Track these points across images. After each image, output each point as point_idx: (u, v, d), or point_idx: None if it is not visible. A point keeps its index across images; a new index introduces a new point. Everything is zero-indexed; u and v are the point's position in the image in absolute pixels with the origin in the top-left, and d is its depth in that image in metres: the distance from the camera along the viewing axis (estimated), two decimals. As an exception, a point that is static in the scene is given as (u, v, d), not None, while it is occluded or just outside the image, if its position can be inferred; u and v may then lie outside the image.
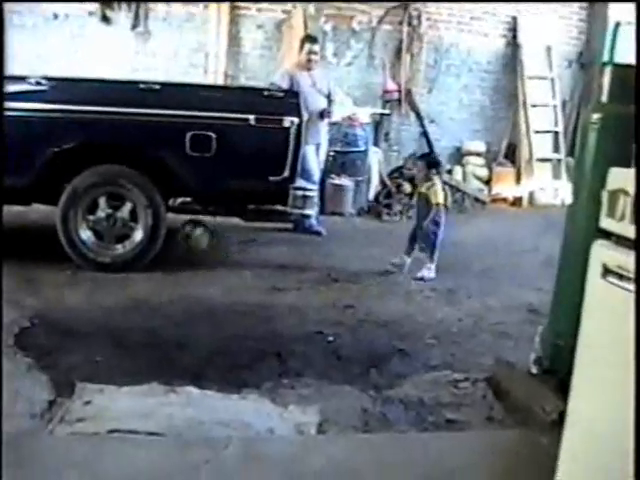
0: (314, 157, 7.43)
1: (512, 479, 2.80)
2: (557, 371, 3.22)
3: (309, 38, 7.83)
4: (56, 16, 8.99)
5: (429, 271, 5.92)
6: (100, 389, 3.36)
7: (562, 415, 2.59)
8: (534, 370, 3.40)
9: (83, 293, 5.01)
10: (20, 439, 2.90)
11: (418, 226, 6.13)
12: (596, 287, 2.21)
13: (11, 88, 5.30)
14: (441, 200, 6.05)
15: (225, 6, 9.27)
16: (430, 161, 6.44)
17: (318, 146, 7.54)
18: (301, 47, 7.61)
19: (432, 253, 5.99)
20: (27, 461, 2.71)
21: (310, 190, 5.82)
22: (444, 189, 6.20)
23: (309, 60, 7.47)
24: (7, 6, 8.48)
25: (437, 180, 6.18)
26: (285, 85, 7.08)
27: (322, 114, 7.36)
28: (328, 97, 7.53)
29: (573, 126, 10.44)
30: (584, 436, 2.20)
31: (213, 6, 9.24)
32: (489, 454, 2.98)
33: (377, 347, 4.26)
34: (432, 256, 5.98)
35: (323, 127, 7.63)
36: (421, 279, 5.84)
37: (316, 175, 7.41)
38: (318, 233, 7.38)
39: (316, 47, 7.59)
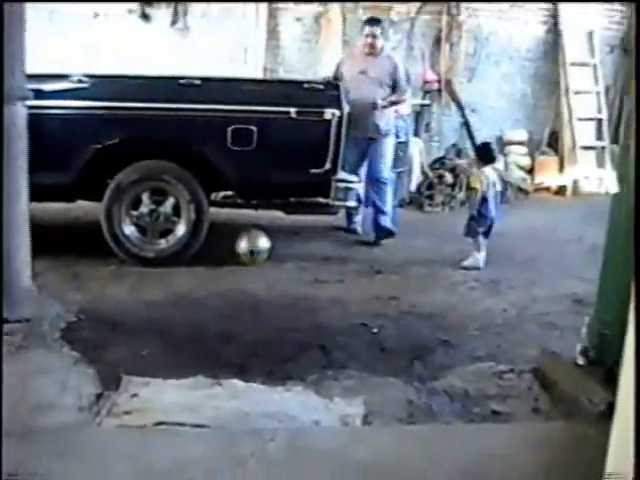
0: (356, 150, 6.57)
1: (560, 471, 2.77)
2: (604, 361, 3.18)
3: (370, 20, 7.01)
4: (96, 15, 9.07)
5: (472, 259, 5.91)
6: (146, 382, 3.40)
7: (610, 406, 2.57)
8: (580, 361, 3.37)
9: (127, 287, 5.06)
10: (68, 432, 2.95)
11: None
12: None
13: (53, 86, 5.40)
14: (477, 185, 6.07)
15: (263, 0, 9.29)
16: (478, 153, 6.72)
17: (370, 140, 6.70)
18: (361, 31, 6.94)
19: (475, 242, 5.98)
20: (75, 453, 2.75)
21: (352, 182, 5.78)
22: (488, 176, 6.08)
23: (366, 44, 6.72)
24: (48, 6, 8.59)
25: (484, 169, 6.17)
26: (331, 75, 6.82)
27: (374, 106, 6.53)
28: (393, 87, 6.72)
29: (617, 113, 10.28)
30: (634, 428, 2.17)
31: (251, 0, 9.27)
32: (535, 446, 2.96)
33: (421, 338, 4.25)
34: (476, 244, 5.96)
35: (380, 119, 6.70)
36: (464, 268, 5.83)
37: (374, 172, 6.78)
38: (391, 233, 6.73)
39: (377, 30, 6.75)
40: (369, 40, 6.69)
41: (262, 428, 2.98)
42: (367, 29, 6.76)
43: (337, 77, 6.67)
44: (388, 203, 6.77)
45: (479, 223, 6.01)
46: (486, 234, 6.03)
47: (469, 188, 6.33)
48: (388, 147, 6.88)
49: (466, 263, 5.91)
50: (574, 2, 10.04)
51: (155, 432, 2.96)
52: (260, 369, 3.67)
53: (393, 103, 6.80)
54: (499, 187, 6.28)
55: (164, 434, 2.94)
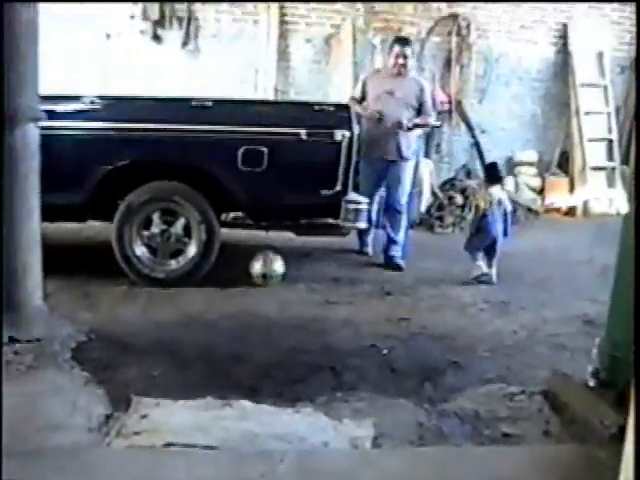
0: (374, 174, 6.57)
1: (571, 494, 2.76)
2: (615, 383, 3.16)
3: (399, 40, 6.85)
4: (108, 36, 9.16)
5: (476, 269, 6.14)
6: (156, 403, 3.39)
7: (622, 429, 2.55)
8: (591, 383, 3.34)
9: (138, 308, 5.07)
10: (78, 452, 2.95)
11: None
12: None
13: (66, 107, 5.44)
14: (480, 203, 6.32)
15: (274, 21, 9.36)
16: (485, 173, 7.06)
17: (390, 163, 6.59)
18: (390, 50, 6.76)
19: (472, 256, 6.22)
20: (85, 474, 2.75)
21: (362, 203, 5.78)
22: (493, 195, 6.26)
23: (395, 64, 6.56)
24: (60, 27, 8.67)
25: (490, 188, 6.33)
26: (356, 93, 6.79)
27: (399, 125, 6.44)
28: (418, 110, 6.60)
29: (627, 133, 10.29)
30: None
31: (262, 22, 9.33)
32: (546, 469, 2.94)
33: (431, 360, 4.23)
34: (473, 257, 6.21)
35: (403, 141, 6.60)
36: (475, 279, 6.11)
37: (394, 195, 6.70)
38: (399, 268, 6.53)
39: (407, 50, 6.60)
40: (400, 60, 6.54)
41: (272, 449, 2.97)
42: (397, 49, 6.59)
43: (363, 96, 6.68)
44: (401, 232, 6.71)
45: (478, 239, 6.21)
46: (489, 251, 6.18)
47: (476, 206, 6.50)
48: (408, 172, 6.79)
49: (473, 275, 6.09)
50: (581, 2, 10.10)
51: (165, 453, 2.95)
52: (270, 390, 3.66)
53: (418, 125, 6.72)
54: (508, 206, 6.32)
55: (174, 455, 2.94)
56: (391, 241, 6.68)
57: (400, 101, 6.54)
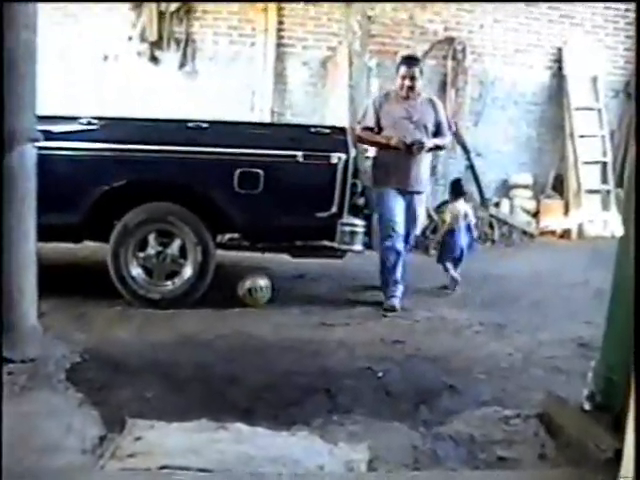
0: (398, 207, 6.02)
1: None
2: (611, 407, 3.15)
3: (406, 59, 6.28)
4: (106, 57, 9.20)
5: (448, 280, 6.66)
6: (151, 425, 3.37)
7: (618, 453, 2.54)
8: (587, 406, 3.33)
9: (133, 329, 5.06)
10: (72, 474, 2.93)
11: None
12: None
13: (63, 128, 5.45)
14: (447, 218, 6.81)
15: (271, 44, 9.42)
16: (450, 188, 7.23)
17: (410, 195, 6.10)
18: (397, 71, 6.16)
19: (444, 267, 6.72)
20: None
21: (358, 226, 5.77)
22: (458, 209, 6.81)
23: (402, 86, 6.04)
24: (57, 47, 8.71)
25: (455, 203, 6.89)
26: (370, 122, 6.12)
27: (410, 147, 5.91)
28: (436, 133, 6.17)
29: (622, 156, 10.34)
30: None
31: (259, 44, 9.39)
32: (542, 492, 2.93)
33: (426, 383, 4.22)
34: (445, 268, 6.72)
35: (423, 169, 6.17)
36: (445, 287, 6.65)
37: (409, 231, 6.19)
38: (393, 309, 5.88)
39: (415, 71, 6.04)
40: (407, 82, 6.01)
41: (267, 472, 2.96)
42: (403, 70, 6.05)
43: (378, 123, 6.10)
44: (398, 272, 6.06)
45: (447, 250, 6.71)
46: (456, 261, 6.69)
47: (442, 221, 6.94)
48: (422, 207, 6.43)
49: (448, 286, 6.65)
50: (579, 2, 10.17)
51: (159, 476, 2.93)
52: (265, 413, 3.65)
53: (438, 147, 6.42)
54: (472, 219, 6.89)
55: (168, 478, 2.92)
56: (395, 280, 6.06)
57: (419, 125, 6.06)
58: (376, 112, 6.11)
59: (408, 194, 6.08)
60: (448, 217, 6.73)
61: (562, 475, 3.10)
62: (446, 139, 6.39)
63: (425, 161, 6.20)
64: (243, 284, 5.80)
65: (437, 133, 6.19)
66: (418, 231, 6.64)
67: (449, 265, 6.64)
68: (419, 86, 6.11)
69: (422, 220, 6.53)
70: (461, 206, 6.78)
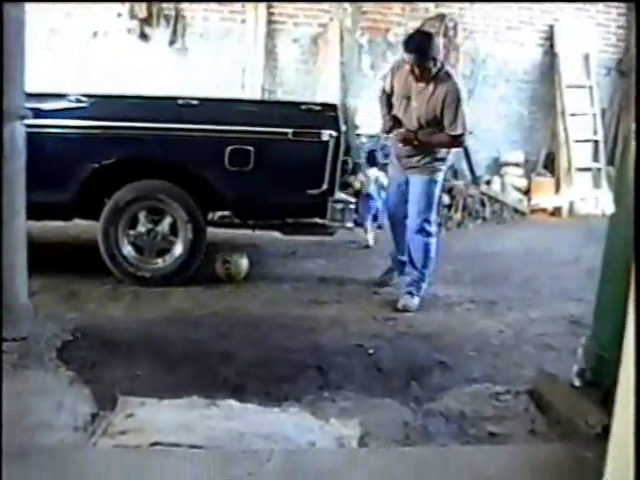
0: (394, 187, 5.61)
1: (556, 493, 2.77)
2: (601, 383, 3.17)
3: (405, 44, 5.14)
4: (95, 34, 9.12)
5: (364, 238, 7.61)
6: (142, 402, 3.38)
7: (606, 429, 2.56)
8: (577, 382, 3.35)
9: (124, 307, 5.06)
10: (63, 452, 2.94)
11: None
12: (640, 298, 2.18)
13: (52, 105, 5.42)
14: (357, 185, 7.52)
15: (262, 20, 9.35)
16: (366, 158, 8.20)
17: (404, 185, 5.44)
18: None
19: (364, 227, 7.61)
20: (70, 474, 2.75)
21: (349, 203, 5.77)
22: (369, 176, 7.80)
23: (413, 71, 5.07)
24: (47, 25, 8.64)
25: (367, 170, 7.88)
26: (387, 86, 5.42)
27: (404, 141, 5.29)
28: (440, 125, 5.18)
29: (613, 134, 10.36)
30: (630, 450, 2.16)
31: (250, 21, 9.32)
32: (532, 468, 2.95)
33: (418, 360, 4.24)
34: (364, 228, 7.62)
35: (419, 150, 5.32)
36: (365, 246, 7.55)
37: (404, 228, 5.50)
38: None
39: (420, 59, 5.00)
40: (416, 71, 5.06)
41: (258, 449, 2.97)
42: (407, 57, 5.07)
43: (391, 92, 5.38)
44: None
45: (364, 211, 7.49)
46: (374, 219, 7.70)
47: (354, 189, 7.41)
48: (430, 191, 5.38)
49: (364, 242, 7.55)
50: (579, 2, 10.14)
51: (151, 452, 2.94)
52: (256, 389, 3.66)
53: (431, 144, 5.30)
54: (385, 182, 7.27)
55: (160, 454, 2.93)
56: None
57: (420, 112, 5.19)
58: (392, 79, 5.39)
59: (404, 175, 5.45)
60: (358, 183, 7.53)
61: (552, 450, 3.12)
62: (446, 137, 5.22)
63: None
64: (219, 260, 5.87)
65: (440, 126, 5.18)
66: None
67: (368, 225, 7.58)
68: (433, 68, 5.06)
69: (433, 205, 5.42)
70: (372, 173, 7.83)
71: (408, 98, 5.24)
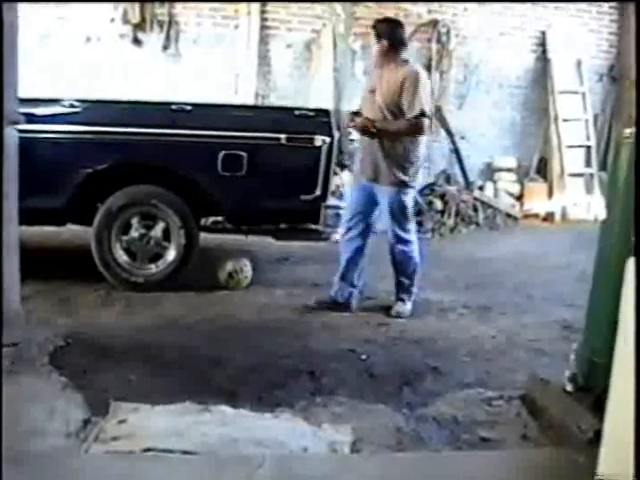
0: (357, 195, 5.32)
1: (548, 498, 2.77)
2: (593, 388, 3.18)
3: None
4: (88, 39, 9.10)
5: None
6: (134, 408, 3.37)
7: (598, 433, 2.57)
8: (569, 387, 3.36)
9: (117, 312, 5.05)
10: (55, 458, 2.93)
11: None
12: (631, 304, 2.19)
13: (45, 111, 5.41)
14: None
15: (255, 26, 9.34)
16: None
17: (371, 190, 5.21)
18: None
19: None
20: (63, 480, 2.74)
21: (342, 209, 5.76)
22: None
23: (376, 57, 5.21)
24: (39, 30, 8.63)
25: None
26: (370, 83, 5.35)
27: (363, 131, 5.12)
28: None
29: (605, 140, 10.39)
30: (621, 455, 2.17)
31: (243, 27, 9.31)
32: (524, 473, 2.95)
33: (410, 365, 4.24)
34: None
35: (382, 155, 5.09)
36: None
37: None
38: (346, 305, 5.38)
39: (376, 35, 5.16)
40: (379, 57, 5.18)
41: (250, 454, 2.96)
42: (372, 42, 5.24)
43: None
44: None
45: None
46: None
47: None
48: (397, 202, 5.17)
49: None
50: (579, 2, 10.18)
51: (143, 459, 2.93)
52: (249, 395, 3.66)
53: (391, 133, 5.09)
54: None
55: (152, 460, 2.92)
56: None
57: (381, 101, 5.07)
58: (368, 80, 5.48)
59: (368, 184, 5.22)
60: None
61: (544, 455, 3.12)
62: (404, 122, 5.04)
63: (399, 148, 5.10)
64: (224, 268, 5.81)
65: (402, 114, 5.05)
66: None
67: None
68: (394, 54, 5.11)
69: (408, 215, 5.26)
70: None
71: (373, 92, 5.16)
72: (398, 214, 5.18)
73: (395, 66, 5.10)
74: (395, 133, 5.08)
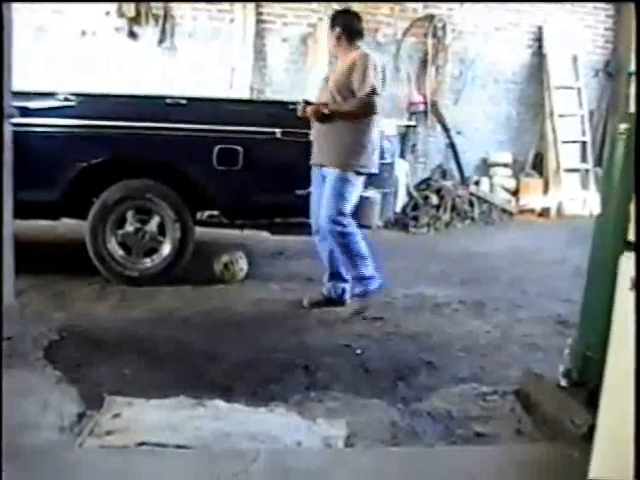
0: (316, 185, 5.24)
1: (542, 493, 2.78)
2: (587, 383, 3.19)
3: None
4: (84, 33, 9.08)
5: None
6: (129, 402, 3.37)
7: (592, 428, 2.57)
8: (563, 382, 3.36)
9: (111, 306, 5.05)
10: (50, 452, 2.93)
11: None
12: (625, 299, 2.19)
13: (40, 104, 5.39)
14: None
15: (250, 20, 9.34)
16: None
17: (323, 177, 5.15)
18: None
19: None
20: (57, 474, 2.74)
21: None
22: None
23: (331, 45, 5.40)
24: (35, 23, 8.61)
25: None
26: None
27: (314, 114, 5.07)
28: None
29: (601, 136, 10.40)
30: (614, 449, 2.18)
31: (239, 21, 9.31)
32: (518, 468, 2.95)
33: (405, 360, 4.24)
34: None
35: (334, 140, 5.05)
36: None
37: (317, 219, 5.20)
38: (340, 301, 5.30)
39: (334, 27, 5.26)
40: (333, 44, 5.33)
41: (244, 449, 2.96)
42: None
43: None
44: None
45: None
46: None
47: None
48: (340, 188, 5.05)
49: None
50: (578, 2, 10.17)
51: (137, 453, 2.94)
52: (243, 389, 3.65)
53: (349, 114, 5.02)
54: None
55: (146, 455, 2.92)
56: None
57: (332, 87, 5.10)
58: None
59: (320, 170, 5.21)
60: None
61: (538, 450, 3.12)
62: (355, 102, 5.00)
63: (349, 130, 5.02)
64: (219, 260, 5.80)
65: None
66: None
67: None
68: (345, 41, 5.20)
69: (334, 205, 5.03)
70: None
71: (327, 80, 5.24)
72: (336, 196, 5.02)
73: (348, 53, 5.16)
74: (347, 113, 5.03)
